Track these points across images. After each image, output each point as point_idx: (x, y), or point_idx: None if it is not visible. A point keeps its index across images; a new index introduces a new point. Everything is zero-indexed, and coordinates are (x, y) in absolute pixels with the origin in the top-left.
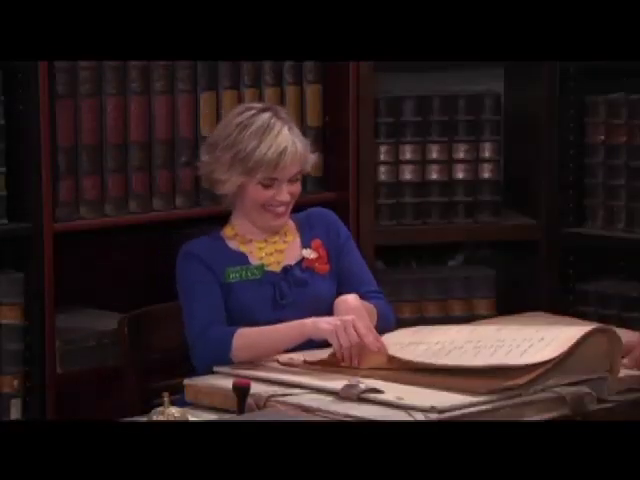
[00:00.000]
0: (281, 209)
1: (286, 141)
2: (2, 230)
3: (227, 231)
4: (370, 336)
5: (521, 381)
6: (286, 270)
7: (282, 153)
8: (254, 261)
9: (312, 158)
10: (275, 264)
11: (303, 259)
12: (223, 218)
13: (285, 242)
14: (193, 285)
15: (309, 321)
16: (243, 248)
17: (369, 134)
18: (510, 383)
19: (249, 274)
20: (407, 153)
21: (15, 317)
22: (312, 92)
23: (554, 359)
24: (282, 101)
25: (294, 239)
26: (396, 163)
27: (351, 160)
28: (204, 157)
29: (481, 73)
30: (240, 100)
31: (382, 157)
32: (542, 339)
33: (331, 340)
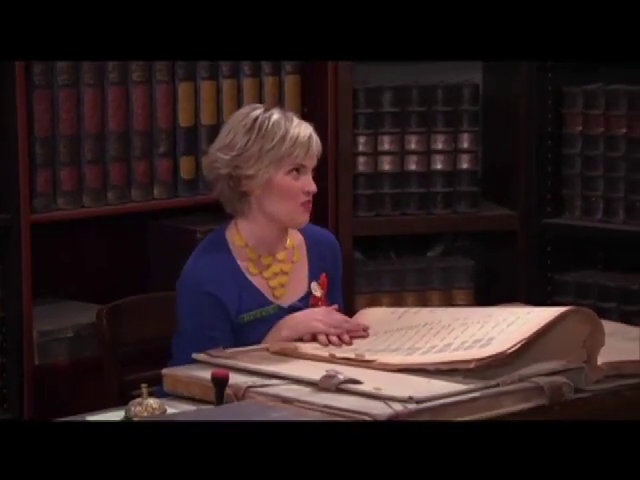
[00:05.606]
0: (308, 204)
1: (309, 128)
2: None
3: (235, 239)
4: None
5: (509, 350)
6: (292, 309)
7: (310, 137)
8: (264, 289)
9: None
10: (279, 289)
11: (310, 295)
12: (201, 209)
13: (293, 262)
14: (201, 328)
15: (284, 329)
16: (252, 270)
17: (347, 125)
18: (498, 352)
19: (263, 313)
20: (385, 144)
21: None
22: (290, 83)
23: (541, 328)
24: (260, 92)
25: (301, 261)
26: (374, 154)
27: (330, 151)
28: (225, 156)
29: (459, 64)
30: (218, 91)
31: (360, 148)
32: (529, 312)
33: (317, 331)
